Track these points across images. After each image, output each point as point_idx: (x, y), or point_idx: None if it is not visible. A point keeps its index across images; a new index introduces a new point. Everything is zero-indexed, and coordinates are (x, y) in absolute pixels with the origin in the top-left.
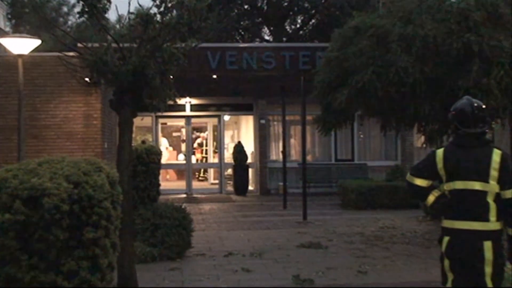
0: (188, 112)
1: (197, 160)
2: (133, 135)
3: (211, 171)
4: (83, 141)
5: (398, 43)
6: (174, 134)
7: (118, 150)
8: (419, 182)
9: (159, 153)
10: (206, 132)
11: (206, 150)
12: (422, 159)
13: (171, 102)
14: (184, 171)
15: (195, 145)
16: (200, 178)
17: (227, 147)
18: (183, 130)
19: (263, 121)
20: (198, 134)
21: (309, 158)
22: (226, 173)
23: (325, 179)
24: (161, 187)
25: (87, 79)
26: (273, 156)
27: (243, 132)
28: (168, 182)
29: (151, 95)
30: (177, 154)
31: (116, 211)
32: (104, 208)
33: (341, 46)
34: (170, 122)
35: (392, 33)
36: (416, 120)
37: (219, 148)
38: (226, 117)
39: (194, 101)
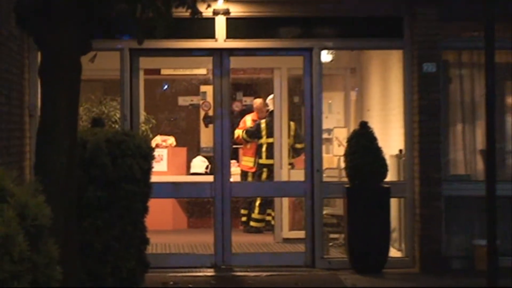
0: (221, 39)
1: (243, 172)
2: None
3: (282, 205)
4: None
5: None
6: (182, 101)
7: (40, 144)
8: None
9: (146, 152)
10: (270, 97)
11: (270, 145)
12: None
13: (184, 13)
14: (209, 205)
15: (239, 132)
16: (252, 224)
17: (332, 138)
18: (206, 91)
19: (430, 67)
20: (247, 101)
21: None
22: (326, 212)
23: None
24: (152, 249)
25: None
26: (459, 166)
27: (374, 97)
28: (169, 235)
29: None
30: (189, 155)
31: None
32: None
33: None
34: (169, 68)
35: None
36: None
37: (307, 141)
38: (326, 55)
39: (238, 9)
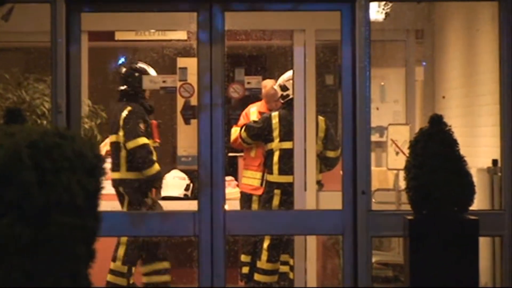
0: None
1: (245, 196)
2: None
3: (307, 247)
4: None
5: None
6: (149, 82)
7: None
8: None
9: (92, 163)
10: (287, 77)
11: (287, 152)
12: None
13: None
14: (191, 247)
15: (239, 131)
16: (257, 278)
17: (385, 142)
18: (187, 67)
19: None
20: (251, 82)
21: None
22: (376, 258)
23: None
24: None
25: None
26: None
27: (453, 77)
28: None
29: None
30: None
31: None
32: None
33: None
34: (128, 30)
35: None
36: None
37: (346, 147)
38: (377, 11)
39: None
